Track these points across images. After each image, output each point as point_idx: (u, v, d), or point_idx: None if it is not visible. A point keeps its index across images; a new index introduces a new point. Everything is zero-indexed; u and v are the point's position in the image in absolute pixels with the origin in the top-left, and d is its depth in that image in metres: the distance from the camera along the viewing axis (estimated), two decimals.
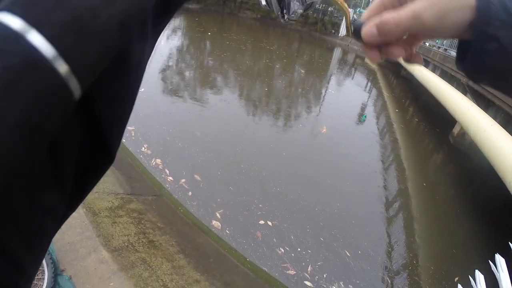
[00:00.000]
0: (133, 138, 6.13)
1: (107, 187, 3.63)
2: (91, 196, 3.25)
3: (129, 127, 6.34)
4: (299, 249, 4.28)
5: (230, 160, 6.10)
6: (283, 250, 4.19)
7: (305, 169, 6.51)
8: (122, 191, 3.74)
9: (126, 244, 2.87)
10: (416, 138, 10.15)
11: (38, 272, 2.51)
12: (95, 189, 2.99)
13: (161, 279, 2.80)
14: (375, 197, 6.21)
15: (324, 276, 4.05)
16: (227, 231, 4.36)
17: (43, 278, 2.37)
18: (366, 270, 4.38)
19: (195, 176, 5.33)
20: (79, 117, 0.30)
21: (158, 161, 5.49)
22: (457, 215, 6.25)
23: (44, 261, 2.40)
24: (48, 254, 2.45)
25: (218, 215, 4.58)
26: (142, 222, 3.36)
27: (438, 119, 11.51)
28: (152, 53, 0.41)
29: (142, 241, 3.04)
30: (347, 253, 4.51)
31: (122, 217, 3.24)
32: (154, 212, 3.71)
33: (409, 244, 5.14)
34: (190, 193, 4.86)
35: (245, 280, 3.70)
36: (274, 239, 4.35)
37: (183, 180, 5.13)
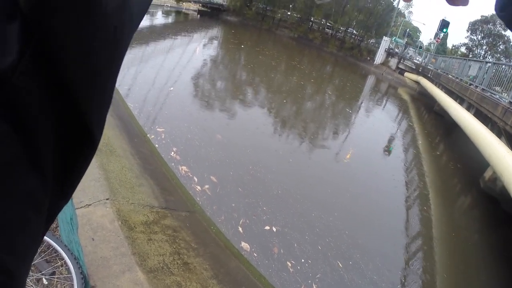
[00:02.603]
0: (164, 142, 6.23)
1: (143, 199, 3.43)
2: (126, 208, 3.05)
3: (158, 129, 6.67)
4: (302, 260, 4.37)
5: (241, 162, 6.38)
6: (290, 265, 4.23)
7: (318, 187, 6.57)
8: (157, 204, 3.54)
9: (161, 265, 2.63)
10: (444, 177, 9.69)
11: (66, 285, 2.30)
12: (131, 199, 2.78)
13: None
14: (392, 230, 6.04)
15: None
16: (255, 254, 4.26)
17: None
18: None
19: (211, 177, 5.51)
20: (41, 81, 0.26)
21: (185, 168, 5.56)
22: (477, 261, 5.91)
23: (73, 273, 2.18)
24: (79, 267, 2.22)
25: (240, 229, 4.60)
26: (177, 241, 3.13)
27: (469, 159, 11.08)
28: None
29: (177, 263, 2.80)
30: None
31: (157, 233, 3.01)
32: (188, 231, 3.49)
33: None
34: (215, 207, 4.87)
35: None
36: (282, 250, 4.44)
37: (206, 186, 5.26)
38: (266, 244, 4.46)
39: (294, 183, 6.31)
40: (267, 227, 4.77)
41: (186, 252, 3.09)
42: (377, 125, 13.78)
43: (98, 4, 0.27)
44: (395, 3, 36.98)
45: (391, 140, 11.88)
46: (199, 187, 5.18)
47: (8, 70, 0.23)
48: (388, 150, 10.59)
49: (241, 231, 4.55)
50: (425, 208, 7.19)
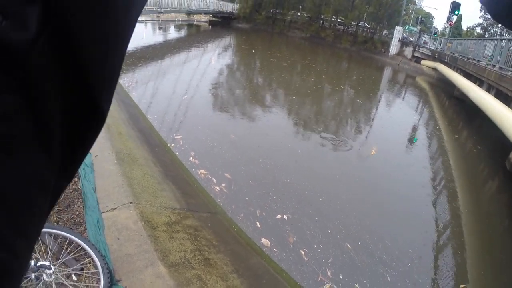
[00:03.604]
0: (182, 148, 6.57)
1: (165, 202, 3.63)
2: (149, 210, 3.26)
3: (176, 136, 7.06)
4: (315, 246, 4.54)
5: (250, 156, 6.77)
6: (303, 253, 4.38)
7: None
8: (178, 207, 3.73)
9: (182, 260, 2.81)
10: (470, 163, 9.47)
11: (94, 280, 2.50)
12: (153, 202, 2.99)
13: None
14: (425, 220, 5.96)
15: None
16: (275, 249, 4.39)
17: (99, 287, 2.34)
18: None
19: (226, 174, 5.84)
20: (56, 59, 0.27)
21: (203, 171, 5.84)
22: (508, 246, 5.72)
23: (100, 269, 2.37)
24: (105, 263, 2.43)
25: (258, 224, 4.78)
26: (198, 239, 3.30)
27: (493, 143, 10.72)
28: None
29: (198, 258, 2.97)
30: None
31: (179, 232, 3.20)
32: (209, 230, 3.66)
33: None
34: (233, 206, 5.08)
35: None
36: (295, 238, 4.62)
37: (223, 185, 5.53)
38: (281, 235, 4.63)
39: (302, 172, 6.56)
40: (279, 216, 4.99)
41: (207, 249, 3.25)
42: (397, 116, 13.64)
43: None
44: None
45: (413, 130, 11.72)
46: (217, 188, 5.42)
47: (25, 47, 0.24)
48: (411, 140, 10.49)
49: (259, 225, 4.73)
50: (448, 191, 7.14)
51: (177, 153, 6.22)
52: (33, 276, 2.14)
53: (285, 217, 5.00)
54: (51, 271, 2.21)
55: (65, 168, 0.34)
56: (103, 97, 0.34)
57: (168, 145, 6.46)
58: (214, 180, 5.60)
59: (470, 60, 16.19)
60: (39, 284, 2.17)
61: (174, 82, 11.70)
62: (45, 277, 2.19)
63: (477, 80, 13.90)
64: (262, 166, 6.42)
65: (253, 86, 13.70)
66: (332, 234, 4.82)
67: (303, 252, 4.37)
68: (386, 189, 6.80)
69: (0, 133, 0.24)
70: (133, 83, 10.58)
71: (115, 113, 5.96)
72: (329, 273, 4.11)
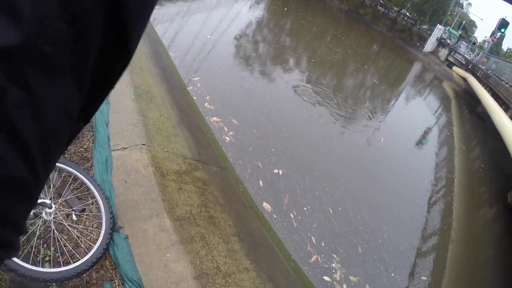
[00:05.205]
0: (199, 92, 6.46)
1: (177, 148, 3.45)
2: (161, 155, 3.08)
3: (195, 78, 6.98)
4: (304, 209, 4.72)
5: (259, 105, 6.93)
6: (292, 216, 4.51)
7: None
8: (190, 156, 3.56)
9: (188, 215, 2.67)
10: (473, 182, 9.19)
11: (94, 223, 2.35)
12: (165, 148, 2.78)
13: (215, 260, 2.59)
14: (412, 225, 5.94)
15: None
16: (274, 215, 4.44)
17: (99, 232, 2.18)
18: None
19: (233, 120, 5.93)
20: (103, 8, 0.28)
21: (216, 118, 5.83)
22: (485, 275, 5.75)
23: (103, 212, 2.22)
24: (109, 207, 2.27)
25: (261, 183, 4.80)
26: (206, 194, 3.16)
27: (502, 170, 10.45)
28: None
29: (204, 215, 2.84)
30: None
31: (188, 184, 3.04)
32: (217, 186, 3.52)
33: None
34: (241, 161, 5.09)
35: (286, 279, 3.54)
36: (288, 195, 4.78)
37: (231, 133, 5.56)
38: (278, 195, 4.76)
39: (302, 131, 6.71)
40: (276, 171, 5.15)
41: (213, 206, 3.12)
42: (414, 112, 13.37)
43: None
44: None
45: (427, 131, 11.43)
46: (228, 139, 5.42)
47: None
48: (422, 139, 10.24)
49: (261, 184, 4.79)
50: (444, 198, 7.13)
51: (194, 98, 6.03)
52: (31, 213, 1.98)
53: (280, 172, 5.15)
54: (51, 210, 2.05)
55: (87, 105, 0.34)
56: (134, 39, 0.35)
57: (187, 88, 6.23)
58: (226, 129, 5.59)
59: (503, 82, 15.56)
60: (38, 222, 2.01)
61: (200, 24, 11.31)
62: (44, 215, 2.03)
63: (504, 104, 13.44)
64: (267, 117, 6.54)
65: (277, 43, 13.34)
66: (319, 197, 5.03)
67: (292, 215, 4.50)
68: (380, 172, 6.82)
69: (49, 54, 0.24)
70: (159, 17, 10.15)
71: (138, 45, 5.66)
72: (313, 240, 4.26)
